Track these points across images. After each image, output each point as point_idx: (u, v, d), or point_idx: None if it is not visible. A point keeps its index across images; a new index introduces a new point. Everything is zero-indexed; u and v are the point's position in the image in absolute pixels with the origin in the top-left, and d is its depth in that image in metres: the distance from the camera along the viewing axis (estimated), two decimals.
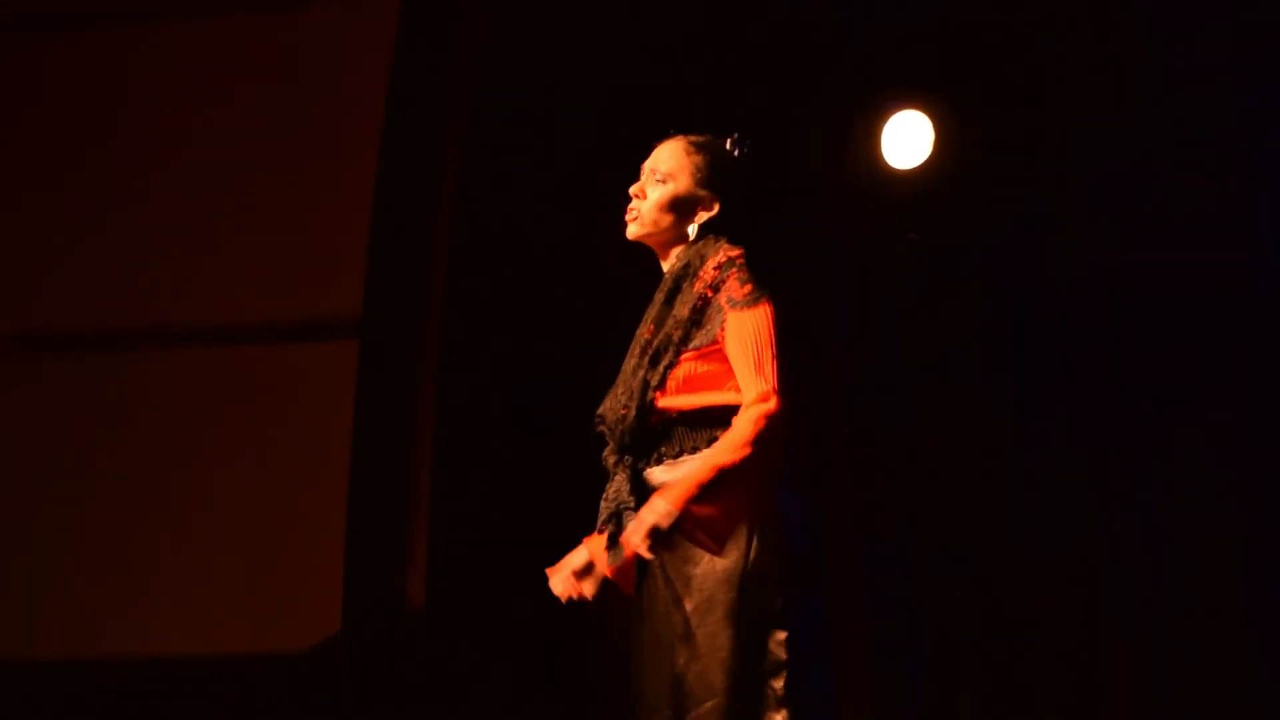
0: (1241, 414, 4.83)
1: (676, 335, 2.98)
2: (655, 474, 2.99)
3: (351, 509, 4.85)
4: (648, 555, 2.91)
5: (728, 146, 3.16)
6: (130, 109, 5.20)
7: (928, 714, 4.92)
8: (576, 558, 3.08)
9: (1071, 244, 5.04)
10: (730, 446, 2.90)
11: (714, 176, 3.11)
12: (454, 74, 5.08)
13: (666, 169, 3.11)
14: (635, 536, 2.87)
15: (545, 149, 5.07)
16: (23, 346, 5.17)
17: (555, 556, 3.98)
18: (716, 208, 3.11)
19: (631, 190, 3.14)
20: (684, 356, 2.98)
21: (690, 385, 2.98)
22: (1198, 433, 4.86)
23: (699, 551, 2.92)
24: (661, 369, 2.98)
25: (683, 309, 3.00)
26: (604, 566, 3.06)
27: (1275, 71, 4.83)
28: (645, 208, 3.11)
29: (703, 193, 3.11)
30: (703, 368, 2.98)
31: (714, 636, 2.89)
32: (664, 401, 2.98)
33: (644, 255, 3.20)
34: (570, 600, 3.10)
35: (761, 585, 2.91)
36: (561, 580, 3.09)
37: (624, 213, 3.15)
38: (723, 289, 2.98)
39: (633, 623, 3.07)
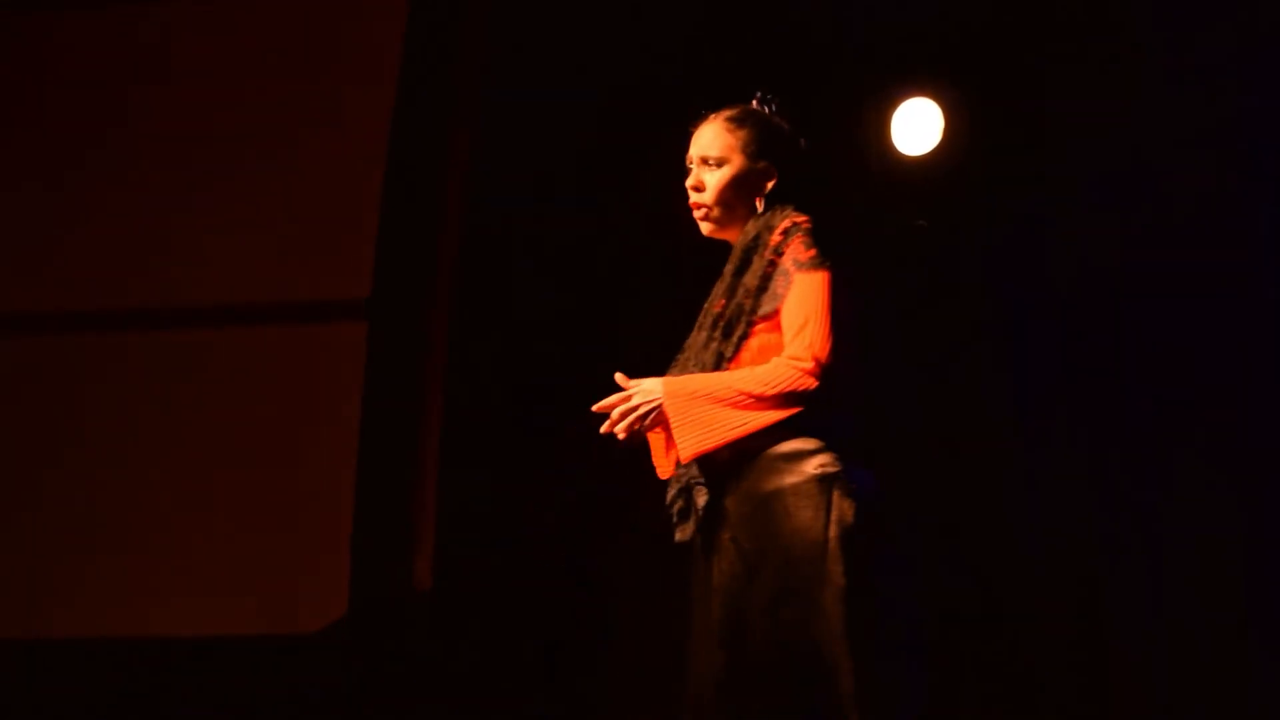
0: (1241, 414, 4.82)
1: (748, 304, 2.98)
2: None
3: (359, 491, 4.85)
4: (618, 431, 2.93)
5: (765, 110, 3.15)
6: (141, 89, 5.22)
7: (928, 714, 4.92)
8: (635, 400, 2.99)
9: (1071, 244, 5.04)
10: (756, 380, 2.91)
11: (764, 145, 3.11)
12: (463, 58, 5.09)
13: (717, 153, 3.09)
14: (622, 409, 2.91)
15: (555, 137, 5.06)
16: (27, 327, 5.17)
17: (559, 540, 4.00)
18: (777, 173, 3.10)
19: (689, 184, 3.12)
20: (756, 327, 2.98)
21: (763, 356, 2.98)
22: (1198, 433, 4.85)
23: (775, 525, 2.91)
24: (735, 339, 2.98)
25: (752, 278, 2.99)
26: (660, 458, 3.09)
27: (1275, 71, 4.83)
28: (709, 199, 3.09)
29: (760, 164, 3.10)
30: (773, 338, 2.98)
31: (801, 614, 2.88)
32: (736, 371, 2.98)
33: (658, 243, 3.21)
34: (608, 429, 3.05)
35: (847, 560, 2.89)
36: (608, 401, 3.02)
37: (676, 206, 3.15)
38: (787, 252, 2.98)
39: (695, 600, 3.04)
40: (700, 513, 2.98)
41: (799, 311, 2.93)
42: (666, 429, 2.97)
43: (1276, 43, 4.84)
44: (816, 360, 2.90)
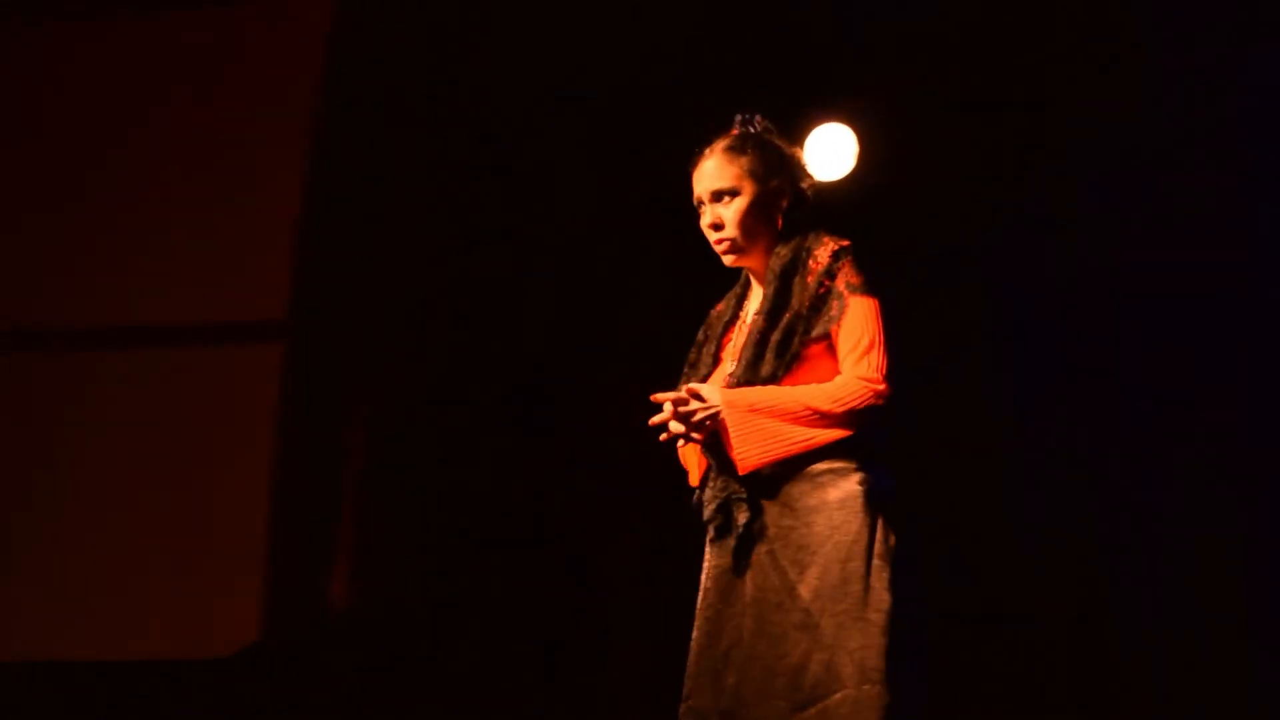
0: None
1: (799, 326, 2.99)
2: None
3: (274, 513, 4.82)
4: (666, 436, 2.93)
5: (751, 130, 3.15)
6: (59, 112, 5.17)
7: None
8: (692, 405, 2.99)
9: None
10: (826, 396, 2.93)
11: (769, 164, 3.11)
12: (384, 79, 5.07)
13: (726, 185, 3.08)
14: (693, 404, 2.90)
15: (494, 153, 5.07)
16: None
17: (489, 558, 3.98)
18: (789, 189, 3.12)
19: (707, 224, 3.11)
20: (808, 349, 2.99)
21: (809, 376, 2.98)
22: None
23: (817, 538, 2.91)
24: (788, 359, 2.98)
25: (802, 299, 3.00)
26: (691, 464, 3.10)
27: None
28: (733, 233, 3.08)
29: (772, 184, 3.10)
30: (821, 361, 2.99)
31: (841, 627, 2.87)
32: None
33: (592, 251, 3.20)
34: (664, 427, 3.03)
35: (890, 574, 2.90)
36: (666, 396, 3.01)
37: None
38: (839, 275, 3.00)
39: (721, 609, 3.02)
40: (741, 529, 2.97)
41: (860, 334, 2.96)
42: (725, 439, 2.95)
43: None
44: (886, 383, 2.94)
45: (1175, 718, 4.70)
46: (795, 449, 2.92)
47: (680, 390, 3.00)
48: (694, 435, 2.97)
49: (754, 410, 2.91)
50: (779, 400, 2.92)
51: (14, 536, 4.97)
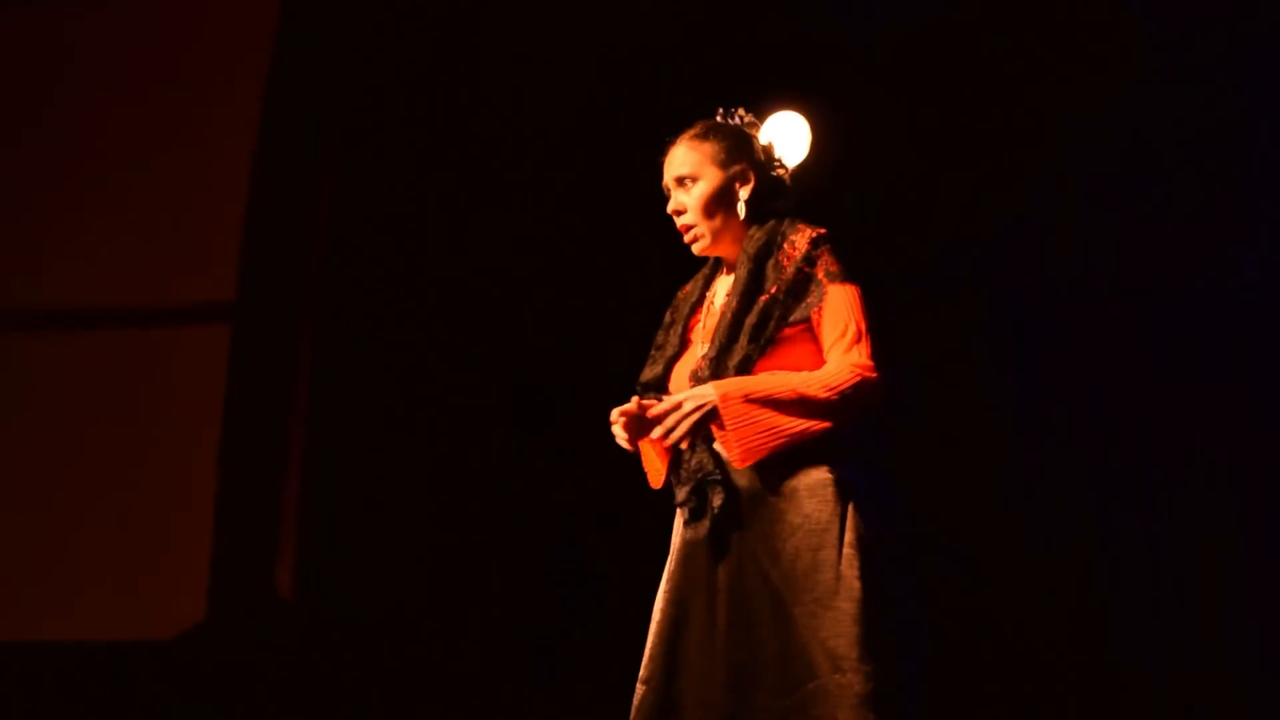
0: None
1: (776, 311, 2.99)
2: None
3: (220, 496, 4.82)
4: (674, 438, 2.90)
5: (729, 122, 3.19)
6: (5, 95, 5.16)
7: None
8: (651, 413, 3.00)
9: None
10: (819, 383, 2.92)
11: (732, 151, 3.14)
12: (333, 61, 5.08)
13: (689, 170, 3.12)
14: (674, 417, 2.89)
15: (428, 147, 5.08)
16: None
17: (435, 545, 3.94)
18: (753, 176, 3.14)
19: (671, 210, 3.14)
20: (784, 333, 2.99)
21: (783, 361, 2.98)
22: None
23: (788, 526, 2.91)
24: (762, 344, 2.98)
25: (778, 283, 3.01)
26: (654, 467, 3.12)
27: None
28: (694, 218, 3.11)
29: (734, 168, 3.12)
30: (796, 346, 3.00)
31: (812, 616, 2.88)
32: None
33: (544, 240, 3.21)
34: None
35: (862, 563, 2.90)
36: (620, 409, 3.03)
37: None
38: (819, 263, 3.01)
39: (688, 595, 3.02)
40: (716, 511, 2.98)
41: (846, 322, 2.97)
42: (722, 431, 2.94)
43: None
44: (878, 370, 2.94)
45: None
46: (793, 439, 2.90)
47: (655, 407, 2.97)
48: (695, 433, 2.95)
49: (749, 401, 2.90)
50: (774, 389, 2.91)
51: None
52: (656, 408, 2.97)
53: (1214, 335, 4.85)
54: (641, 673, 3.03)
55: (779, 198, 3.17)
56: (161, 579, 4.83)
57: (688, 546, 3.04)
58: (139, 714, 4.67)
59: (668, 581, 3.06)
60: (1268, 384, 4.79)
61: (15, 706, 4.74)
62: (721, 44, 5.08)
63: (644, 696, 3.00)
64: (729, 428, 2.90)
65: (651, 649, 3.03)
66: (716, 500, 2.97)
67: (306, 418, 4.97)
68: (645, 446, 3.13)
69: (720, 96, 3.29)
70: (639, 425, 3.02)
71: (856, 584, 2.88)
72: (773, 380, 2.93)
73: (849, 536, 2.90)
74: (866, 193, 5.18)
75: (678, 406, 2.94)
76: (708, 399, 2.92)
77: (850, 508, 2.92)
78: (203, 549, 4.82)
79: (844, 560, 2.89)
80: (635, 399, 3.02)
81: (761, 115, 3.34)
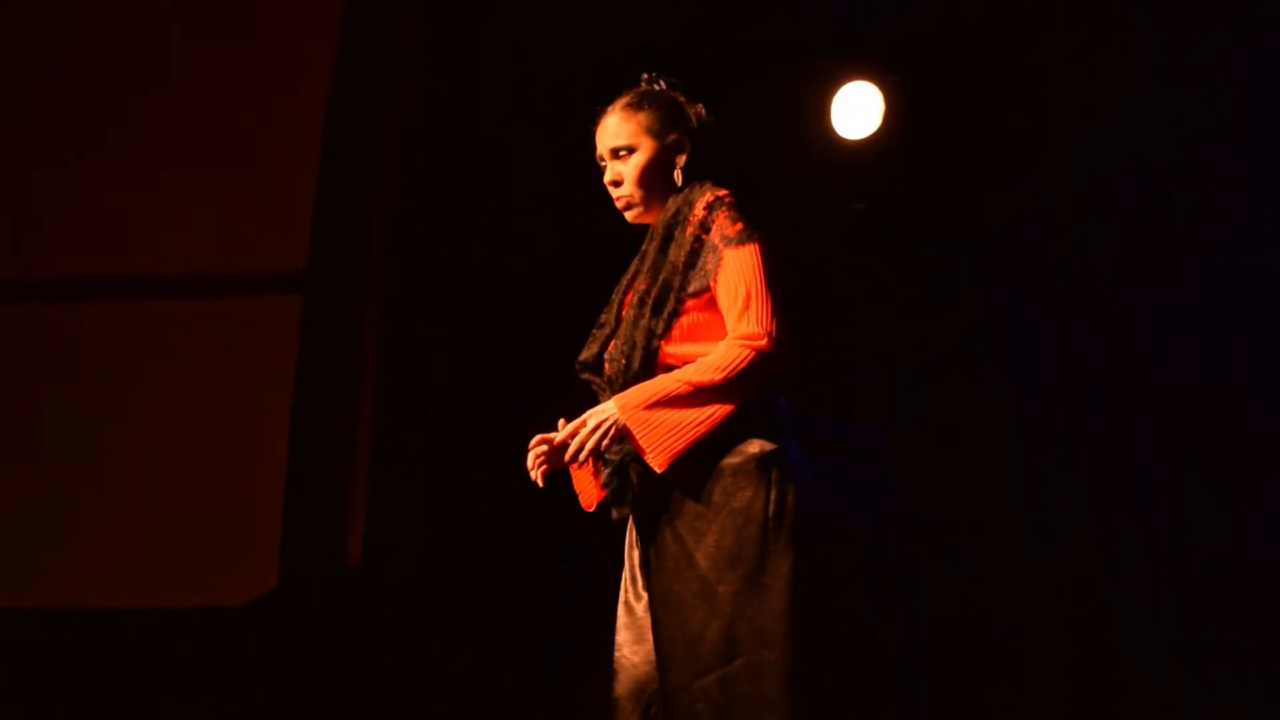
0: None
1: (676, 281, 2.97)
2: None
3: (292, 465, 4.84)
4: (583, 457, 2.90)
5: (654, 88, 3.15)
6: (86, 62, 5.19)
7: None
8: (556, 440, 3.01)
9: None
10: (709, 367, 2.89)
11: (666, 120, 3.11)
12: (401, 38, 5.10)
13: (625, 141, 3.10)
14: (581, 436, 2.89)
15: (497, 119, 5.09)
16: None
17: (494, 515, 3.90)
18: (688, 144, 3.11)
19: (607, 180, 3.13)
20: (686, 305, 2.96)
21: (693, 334, 2.97)
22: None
23: (714, 505, 2.90)
24: (666, 316, 2.96)
25: (678, 254, 2.98)
26: (586, 489, 3.12)
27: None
28: (630, 190, 3.10)
29: (669, 138, 3.10)
30: (704, 316, 2.97)
31: (738, 594, 2.87)
32: (668, 350, 2.97)
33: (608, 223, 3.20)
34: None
35: (788, 539, 2.88)
36: (533, 453, 3.04)
37: (605, 203, 3.15)
38: (714, 228, 2.97)
39: (627, 581, 3.06)
40: (636, 490, 2.97)
41: (737, 289, 2.91)
42: (634, 444, 2.91)
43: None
44: (769, 335, 2.88)
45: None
46: (701, 430, 2.87)
47: (560, 429, 2.97)
48: (604, 449, 2.93)
49: (650, 405, 2.88)
50: (669, 388, 2.88)
51: (29, 487, 4.98)
52: (562, 433, 2.96)
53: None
54: (616, 639, 3.08)
55: (709, 162, 3.13)
56: (237, 544, 4.86)
57: (625, 534, 3.07)
58: (210, 680, 4.70)
59: (626, 554, 3.10)
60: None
61: (89, 671, 4.78)
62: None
63: (615, 663, 3.05)
64: (637, 438, 2.88)
65: (618, 619, 3.08)
66: (634, 476, 2.96)
67: (375, 386, 4.98)
68: (576, 471, 3.13)
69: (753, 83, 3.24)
70: (559, 451, 3.02)
71: (783, 561, 2.87)
72: (667, 380, 2.90)
73: (773, 513, 2.89)
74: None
75: (583, 424, 2.93)
76: (610, 414, 2.91)
77: (775, 483, 2.90)
78: (274, 518, 4.84)
79: (769, 537, 2.88)
80: (538, 437, 3.03)
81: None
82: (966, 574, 4.94)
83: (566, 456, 2.96)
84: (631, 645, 3.04)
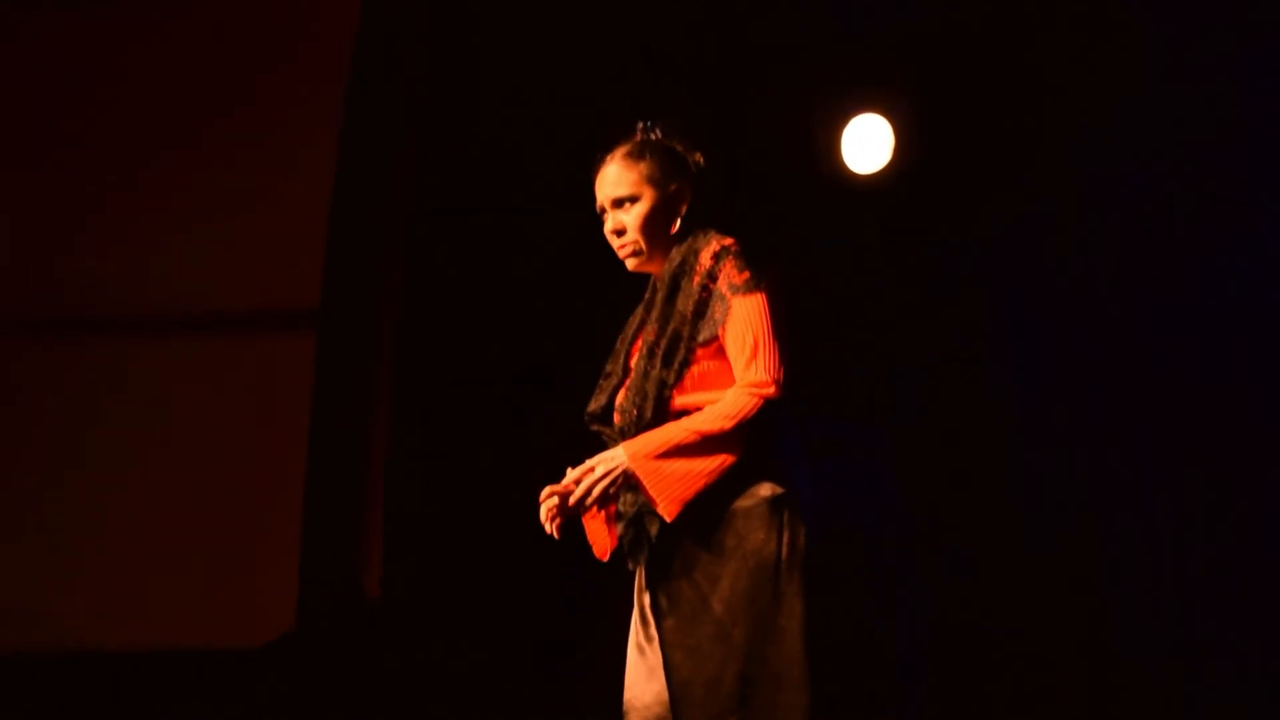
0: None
1: (685, 330, 2.98)
2: None
3: (308, 502, 4.84)
4: (589, 503, 2.91)
5: (651, 137, 3.15)
6: (89, 98, 5.18)
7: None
8: (562, 487, 3.02)
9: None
10: (716, 416, 2.90)
11: (668, 169, 3.11)
12: (412, 71, 5.09)
13: (627, 191, 3.10)
14: (587, 481, 2.90)
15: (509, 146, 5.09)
16: None
17: (511, 550, 3.89)
18: (689, 193, 3.12)
19: (609, 230, 3.12)
20: (697, 354, 2.98)
21: (704, 382, 2.98)
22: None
23: (726, 550, 2.91)
24: (677, 366, 2.97)
25: (686, 303, 2.99)
26: (600, 538, 3.13)
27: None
28: (634, 238, 3.10)
29: (671, 188, 3.11)
30: (714, 364, 2.98)
31: (752, 637, 2.88)
32: (680, 400, 2.98)
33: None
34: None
35: (800, 581, 2.90)
36: (545, 506, 3.04)
37: (608, 250, 3.15)
38: (721, 276, 2.98)
39: (637, 623, 3.05)
40: (654, 541, 2.98)
41: (745, 337, 2.94)
42: (644, 492, 2.93)
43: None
44: (776, 382, 2.91)
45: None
46: (711, 477, 2.89)
47: (566, 477, 2.98)
48: (612, 496, 2.95)
49: (659, 454, 2.89)
50: (677, 437, 2.90)
51: (48, 526, 4.98)
52: (569, 477, 2.97)
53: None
54: (625, 681, 3.07)
55: (706, 207, 3.14)
56: (253, 585, 4.86)
57: (635, 577, 3.07)
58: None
59: (637, 597, 3.09)
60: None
61: (107, 715, 4.76)
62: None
63: (625, 706, 3.05)
64: (647, 487, 2.90)
65: (628, 664, 3.07)
66: (653, 530, 2.97)
67: (390, 422, 4.98)
68: (589, 520, 3.14)
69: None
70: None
71: (797, 602, 2.89)
72: (675, 428, 2.92)
73: (785, 554, 2.91)
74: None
75: (590, 470, 2.94)
76: (618, 461, 2.92)
77: (787, 525, 2.92)
78: (290, 556, 4.83)
79: (782, 578, 2.90)
80: (547, 489, 3.02)
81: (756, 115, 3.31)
82: (966, 574, 4.94)
83: (572, 500, 2.96)
84: (642, 684, 3.03)
